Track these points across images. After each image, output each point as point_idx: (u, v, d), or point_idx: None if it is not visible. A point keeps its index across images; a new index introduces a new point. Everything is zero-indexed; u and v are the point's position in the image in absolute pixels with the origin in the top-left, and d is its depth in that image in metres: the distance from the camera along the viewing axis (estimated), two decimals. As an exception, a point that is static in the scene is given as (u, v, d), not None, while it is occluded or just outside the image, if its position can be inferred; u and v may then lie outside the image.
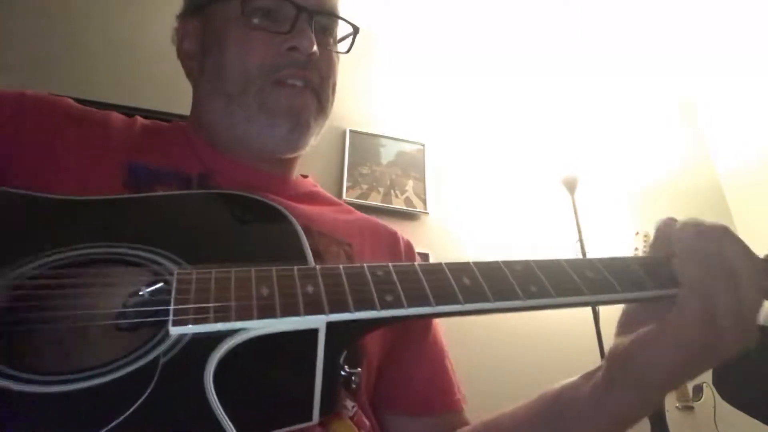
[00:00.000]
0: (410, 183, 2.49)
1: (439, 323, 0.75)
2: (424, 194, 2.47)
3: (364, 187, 2.39)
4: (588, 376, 0.53)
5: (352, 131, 2.47)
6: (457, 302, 0.42)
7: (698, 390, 2.27)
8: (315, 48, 0.65)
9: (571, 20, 2.75)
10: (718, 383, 0.71)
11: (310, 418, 0.42)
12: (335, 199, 0.81)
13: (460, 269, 0.45)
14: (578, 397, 0.53)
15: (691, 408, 2.22)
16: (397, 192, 2.45)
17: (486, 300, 0.43)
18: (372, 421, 0.61)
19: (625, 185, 2.75)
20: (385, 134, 2.55)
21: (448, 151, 2.63)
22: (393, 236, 0.78)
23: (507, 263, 0.47)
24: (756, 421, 0.71)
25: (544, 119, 2.81)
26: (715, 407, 2.20)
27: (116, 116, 0.69)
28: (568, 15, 2.71)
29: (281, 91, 0.65)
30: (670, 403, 2.21)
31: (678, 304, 0.44)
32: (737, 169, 3.04)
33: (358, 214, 0.79)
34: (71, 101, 0.67)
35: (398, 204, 2.39)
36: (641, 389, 0.48)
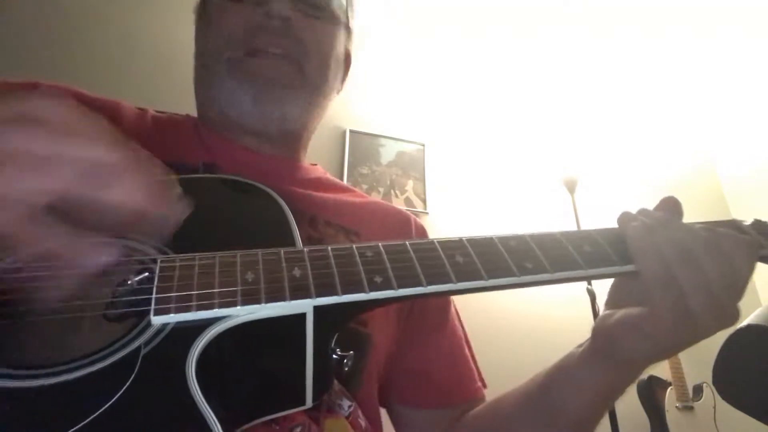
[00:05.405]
0: (410, 183, 2.49)
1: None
2: (424, 194, 2.47)
3: (364, 187, 2.39)
4: (575, 351, 0.54)
5: (352, 131, 2.47)
6: (449, 281, 0.41)
7: (698, 390, 2.27)
8: (288, 12, 0.64)
9: (572, 20, 2.75)
10: (718, 383, 0.71)
11: (303, 403, 0.41)
12: (345, 185, 0.79)
13: (453, 247, 0.44)
14: (564, 373, 0.54)
15: (691, 408, 2.22)
16: (397, 192, 2.45)
17: (480, 278, 0.42)
18: (372, 419, 0.60)
19: (626, 186, 2.75)
20: (385, 134, 2.55)
21: (448, 151, 2.63)
22: (405, 219, 0.76)
23: (501, 238, 0.46)
24: (756, 421, 0.70)
25: (545, 119, 2.80)
26: (715, 407, 2.20)
27: (127, 106, 0.69)
28: (569, 15, 2.71)
29: (252, 59, 0.64)
30: (670, 403, 2.20)
31: (649, 299, 0.44)
32: (739, 174, 3.03)
33: (369, 198, 0.78)
34: (83, 91, 0.67)
35: (398, 204, 2.38)
36: (623, 366, 0.49)
